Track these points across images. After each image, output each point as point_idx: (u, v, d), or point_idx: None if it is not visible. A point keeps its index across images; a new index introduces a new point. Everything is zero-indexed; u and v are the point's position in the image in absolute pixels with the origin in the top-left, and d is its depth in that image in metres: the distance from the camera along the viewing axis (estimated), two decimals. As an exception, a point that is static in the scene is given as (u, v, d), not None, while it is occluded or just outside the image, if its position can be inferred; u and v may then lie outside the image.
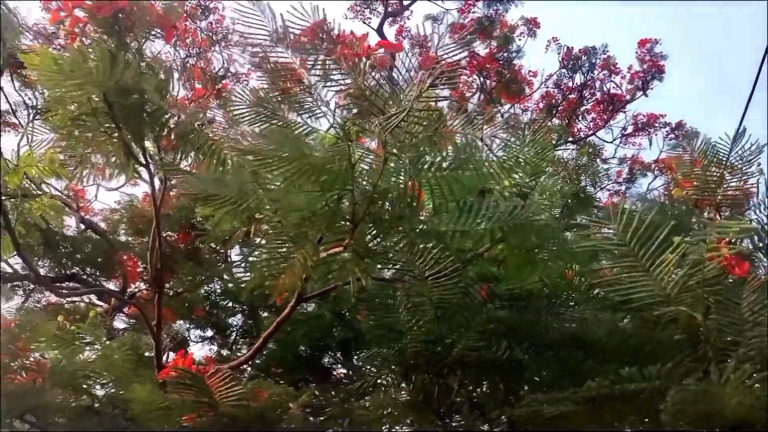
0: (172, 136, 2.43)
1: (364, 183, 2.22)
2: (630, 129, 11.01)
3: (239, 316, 6.00)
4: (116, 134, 2.49)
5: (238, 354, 5.59)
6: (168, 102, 2.59)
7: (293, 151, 2.08)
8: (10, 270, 3.30)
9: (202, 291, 6.07)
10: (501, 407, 2.08)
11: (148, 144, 2.59)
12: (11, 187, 2.49)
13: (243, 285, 3.56)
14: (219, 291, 6.03)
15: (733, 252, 1.70)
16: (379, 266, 2.39)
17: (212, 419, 2.12)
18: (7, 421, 2.62)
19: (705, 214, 2.29)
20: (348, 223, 2.25)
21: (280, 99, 2.40)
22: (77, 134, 2.51)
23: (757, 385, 1.47)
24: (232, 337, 6.12)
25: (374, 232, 2.32)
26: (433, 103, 2.19)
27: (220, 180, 2.44)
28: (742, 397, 1.44)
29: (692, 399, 1.45)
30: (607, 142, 10.89)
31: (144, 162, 2.58)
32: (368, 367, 2.11)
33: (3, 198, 2.41)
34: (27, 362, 2.57)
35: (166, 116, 2.44)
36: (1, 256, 2.78)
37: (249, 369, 4.43)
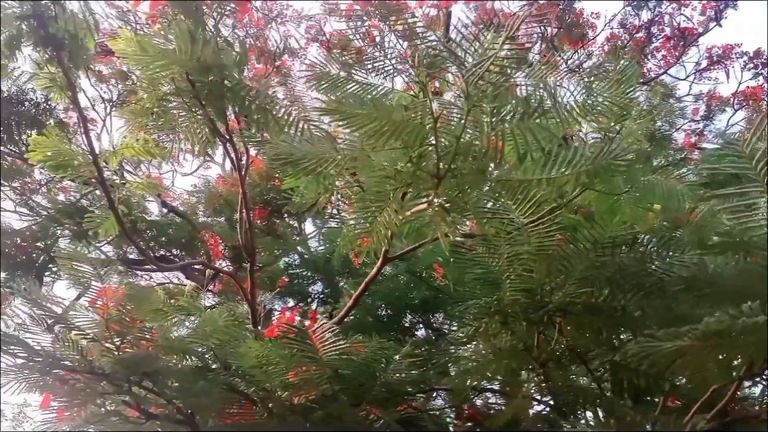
0: (253, 108, 2.48)
1: (448, 137, 2.19)
2: (704, 63, 10.27)
3: (318, 284, 6.19)
4: (200, 112, 2.58)
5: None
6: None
7: (375, 110, 2.08)
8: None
9: (282, 263, 6.30)
10: (604, 354, 2.05)
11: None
12: (112, 167, 2.66)
13: (333, 251, 3.65)
14: (297, 262, 6.23)
15: None
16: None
17: (316, 374, 2.21)
18: (125, 386, 2.85)
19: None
20: (432, 178, 2.25)
21: (355, 61, 2.40)
22: (164, 115, 2.61)
23: None
24: (313, 305, 6.33)
25: (458, 186, 2.31)
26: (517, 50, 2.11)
27: (302, 146, 2.49)
28: None
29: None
30: (680, 79, 10.20)
31: (227, 137, 2.67)
32: (466, 318, 2.13)
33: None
34: (139, 332, 2.77)
35: (246, 89, 2.50)
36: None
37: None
